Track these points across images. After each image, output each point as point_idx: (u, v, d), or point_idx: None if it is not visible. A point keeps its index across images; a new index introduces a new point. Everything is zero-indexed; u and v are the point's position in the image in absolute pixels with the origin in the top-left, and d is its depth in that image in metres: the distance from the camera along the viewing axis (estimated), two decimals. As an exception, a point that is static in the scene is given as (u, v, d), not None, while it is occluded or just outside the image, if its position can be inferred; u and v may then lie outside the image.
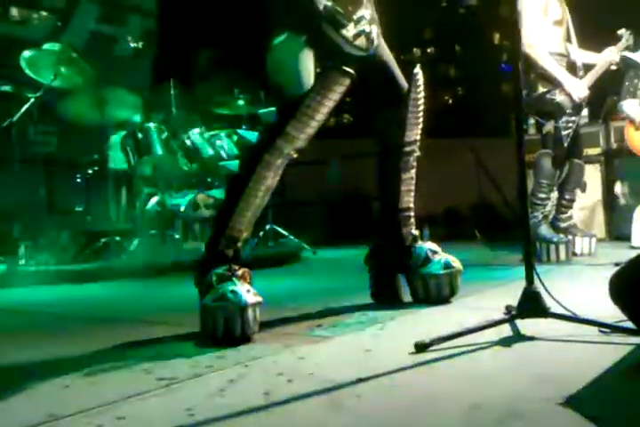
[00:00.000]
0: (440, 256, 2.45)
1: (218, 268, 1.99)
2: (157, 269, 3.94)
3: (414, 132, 2.49)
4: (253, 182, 2.12)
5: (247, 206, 2.11)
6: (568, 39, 3.89)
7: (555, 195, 3.84)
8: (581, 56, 3.93)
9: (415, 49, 9.89)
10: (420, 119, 2.49)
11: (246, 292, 1.89)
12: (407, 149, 2.48)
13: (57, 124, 5.16)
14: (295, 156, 2.17)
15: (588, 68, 3.92)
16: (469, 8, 9.11)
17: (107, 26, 5.94)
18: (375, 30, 2.26)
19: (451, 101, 9.89)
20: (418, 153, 2.51)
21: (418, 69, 2.47)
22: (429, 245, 2.49)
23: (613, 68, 3.95)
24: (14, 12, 5.92)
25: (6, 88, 4.87)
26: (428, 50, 10.13)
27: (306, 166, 6.30)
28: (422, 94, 2.47)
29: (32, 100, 4.42)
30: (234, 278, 1.93)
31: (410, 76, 2.46)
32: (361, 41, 2.19)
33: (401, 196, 2.50)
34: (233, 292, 1.87)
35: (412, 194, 2.53)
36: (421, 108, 2.48)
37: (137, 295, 3.36)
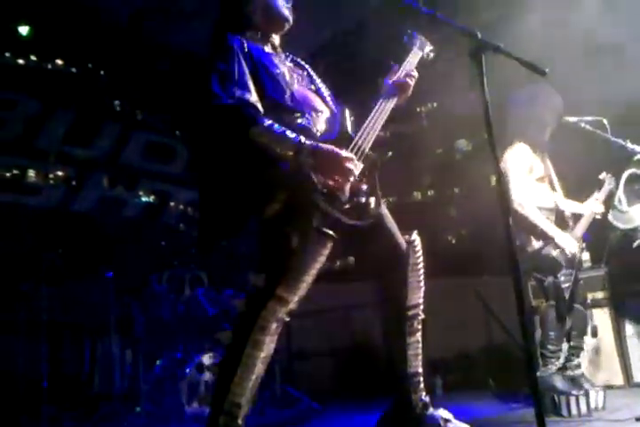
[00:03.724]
0: (453, 425, 2.37)
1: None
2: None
3: (417, 296, 2.51)
4: (249, 350, 2.10)
5: (245, 377, 2.07)
6: (553, 190, 4.05)
7: (565, 346, 3.78)
8: (568, 206, 4.07)
9: (415, 193, 10.16)
10: (422, 282, 2.53)
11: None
12: (411, 312, 2.49)
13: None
14: (288, 319, 2.19)
15: (576, 216, 4.04)
16: (464, 153, 9.51)
17: (117, 190, 6.23)
18: (373, 201, 2.35)
19: (454, 241, 9.98)
20: (422, 316, 2.52)
21: (415, 236, 2.55)
22: (441, 413, 2.41)
23: (598, 217, 4.08)
24: (31, 173, 6.22)
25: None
26: (428, 193, 10.39)
27: (313, 314, 6.22)
28: (421, 259, 2.53)
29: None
30: (236, 466, 1.85)
31: (408, 243, 2.53)
32: (355, 213, 2.28)
33: (408, 361, 2.46)
34: (236, 482, 1.78)
35: (420, 357, 2.50)
36: (421, 271, 2.53)
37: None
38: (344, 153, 2.25)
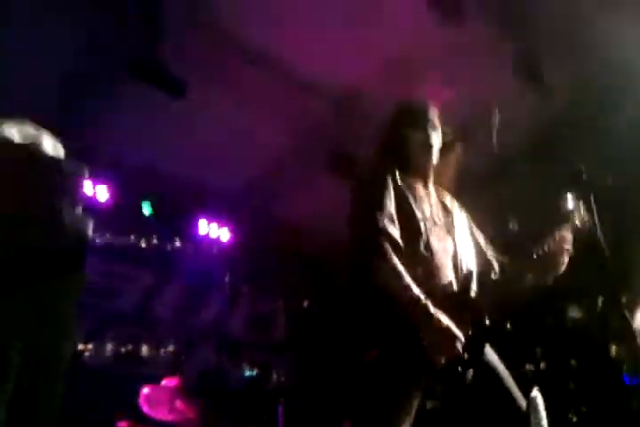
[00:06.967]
0: None
1: None
2: None
3: None
4: None
5: None
6: None
7: None
8: None
9: (527, 365, 9.56)
10: None
11: None
12: None
13: None
14: None
15: None
16: (575, 320, 9.03)
17: (221, 362, 6.36)
18: (469, 374, 2.21)
19: (575, 419, 9.07)
20: None
21: (536, 392, 2.41)
22: None
23: None
24: (144, 348, 6.45)
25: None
26: (541, 365, 9.74)
27: None
28: (545, 421, 2.37)
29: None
30: None
31: (528, 401, 2.35)
32: (449, 379, 2.20)
33: None
34: None
35: None
36: None
37: None
38: (455, 331, 2.16)
